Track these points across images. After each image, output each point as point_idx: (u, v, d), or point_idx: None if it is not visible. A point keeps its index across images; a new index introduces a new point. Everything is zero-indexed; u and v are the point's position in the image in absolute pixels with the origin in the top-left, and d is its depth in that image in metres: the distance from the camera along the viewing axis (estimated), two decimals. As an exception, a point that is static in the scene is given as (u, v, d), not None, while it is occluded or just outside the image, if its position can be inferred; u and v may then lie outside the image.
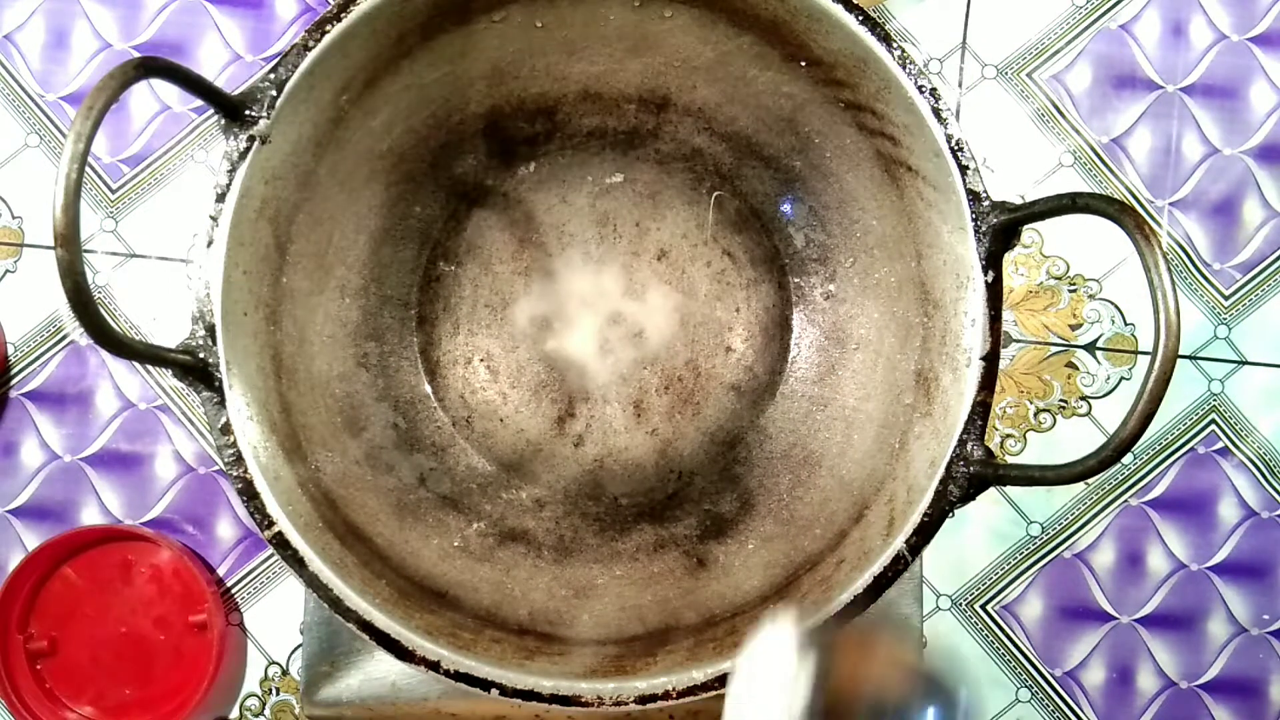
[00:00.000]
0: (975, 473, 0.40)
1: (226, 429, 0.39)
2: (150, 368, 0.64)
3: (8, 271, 0.65)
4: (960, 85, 0.67)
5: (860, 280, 0.50)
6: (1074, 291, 0.66)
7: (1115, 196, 0.50)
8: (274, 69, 0.40)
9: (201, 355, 0.39)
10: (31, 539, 0.64)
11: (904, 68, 0.40)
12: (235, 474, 0.40)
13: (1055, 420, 0.66)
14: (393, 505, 0.48)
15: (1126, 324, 0.66)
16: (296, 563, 0.40)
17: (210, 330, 0.39)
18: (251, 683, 0.64)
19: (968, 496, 0.40)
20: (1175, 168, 0.67)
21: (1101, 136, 0.67)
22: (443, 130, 0.50)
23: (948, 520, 0.40)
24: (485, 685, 0.40)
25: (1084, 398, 0.66)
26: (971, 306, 0.41)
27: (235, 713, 0.64)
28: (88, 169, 0.65)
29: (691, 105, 0.51)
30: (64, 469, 0.64)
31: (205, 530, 0.64)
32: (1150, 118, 0.67)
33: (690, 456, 0.54)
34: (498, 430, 0.53)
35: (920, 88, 0.40)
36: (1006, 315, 0.66)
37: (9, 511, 0.64)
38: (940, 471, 0.40)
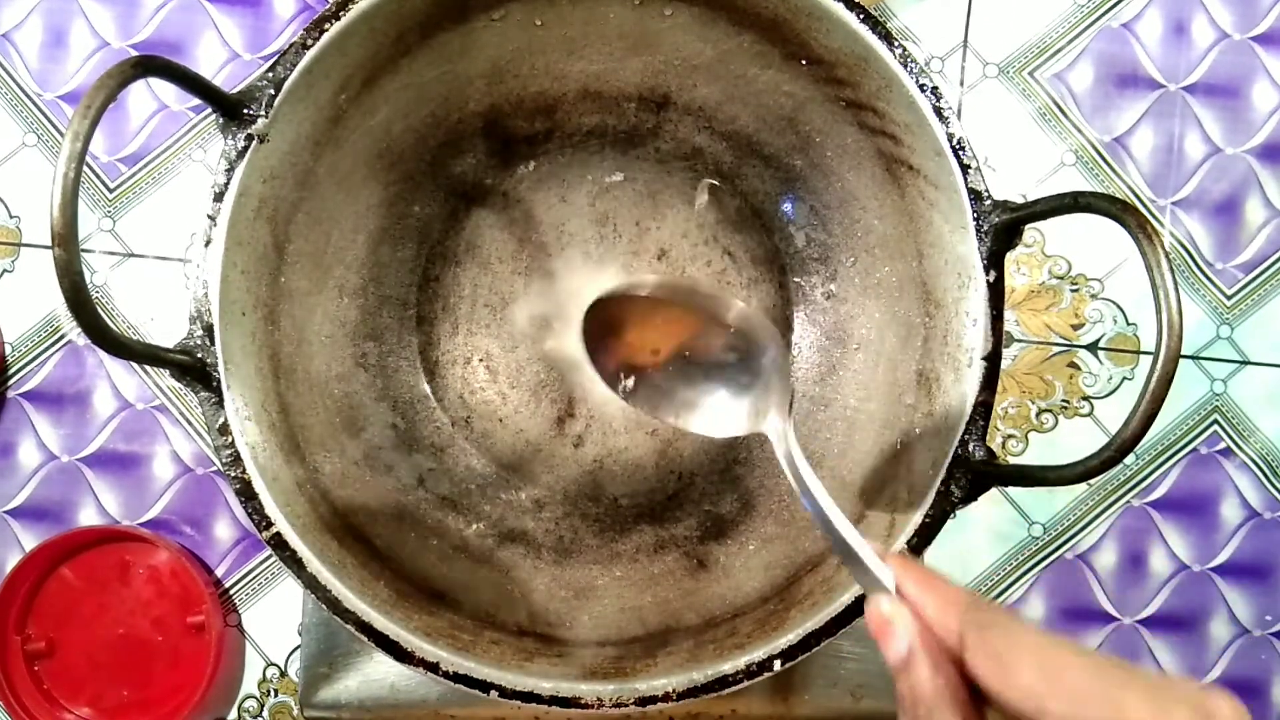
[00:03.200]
0: (977, 473, 0.40)
1: (224, 429, 0.39)
2: (148, 368, 0.64)
3: (5, 271, 0.65)
4: (961, 84, 0.66)
5: (861, 280, 0.50)
6: (1076, 291, 0.66)
7: (1117, 195, 0.50)
8: (272, 68, 0.40)
9: (199, 355, 0.39)
10: (29, 540, 0.64)
11: (905, 66, 0.40)
12: (233, 474, 0.39)
13: (1057, 420, 0.66)
14: (392, 506, 0.47)
15: (1129, 324, 0.66)
16: (295, 564, 0.39)
17: (208, 330, 0.39)
18: (250, 684, 0.64)
19: (969, 497, 0.40)
20: (1177, 167, 0.67)
21: (1103, 135, 0.67)
22: (442, 129, 0.50)
23: (949, 521, 0.40)
24: (484, 687, 0.39)
25: (1086, 398, 0.66)
26: (973, 306, 0.41)
27: (233, 714, 0.64)
28: (85, 168, 0.65)
29: (691, 104, 0.51)
30: (61, 469, 0.64)
31: (203, 531, 0.64)
32: (1152, 117, 0.67)
33: (690, 457, 0.54)
34: (497, 430, 0.53)
35: (922, 86, 0.40)
36: (1008, 315, 0.65)
37: (6, 512, 0.64)
38: (942, 472, 0.40)
